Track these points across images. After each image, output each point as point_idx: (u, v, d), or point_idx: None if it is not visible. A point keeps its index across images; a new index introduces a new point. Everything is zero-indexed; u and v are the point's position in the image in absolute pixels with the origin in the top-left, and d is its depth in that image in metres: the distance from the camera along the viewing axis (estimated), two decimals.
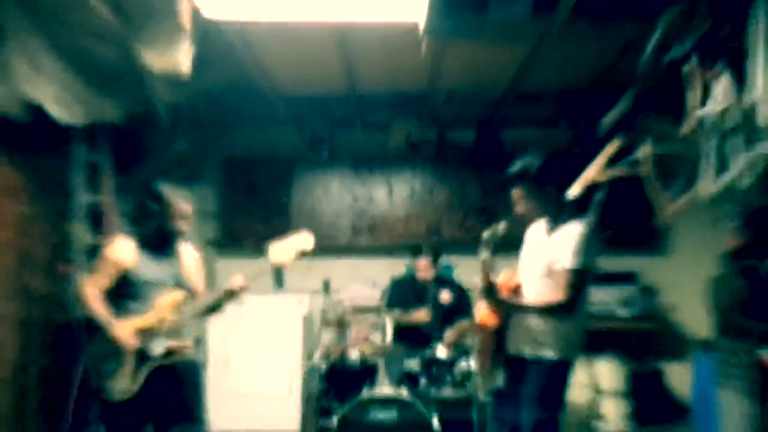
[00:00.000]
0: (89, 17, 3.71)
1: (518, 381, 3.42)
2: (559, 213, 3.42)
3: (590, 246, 3.26)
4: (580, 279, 3.23)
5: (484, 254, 3.33)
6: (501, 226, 3.34)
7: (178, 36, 3.78)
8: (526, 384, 3.36)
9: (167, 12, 3.70)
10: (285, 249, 3.83)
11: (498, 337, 3.52)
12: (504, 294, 3.42)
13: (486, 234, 3.35)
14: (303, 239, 3.90)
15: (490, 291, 3.34)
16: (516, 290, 3.51)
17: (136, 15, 3.80)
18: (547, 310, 3.31)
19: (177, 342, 3.72)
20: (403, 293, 5.60)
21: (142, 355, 3.62)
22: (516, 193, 3.46)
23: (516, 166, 3.43)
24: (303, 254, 3.88)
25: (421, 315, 5.26)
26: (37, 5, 3.72)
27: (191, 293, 3.90)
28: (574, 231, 3.29)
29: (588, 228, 3.29)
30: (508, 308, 3.46)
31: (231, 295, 3.75)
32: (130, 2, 3.75)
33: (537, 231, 3.59)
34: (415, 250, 5.42)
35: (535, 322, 3.37)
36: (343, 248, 6.66)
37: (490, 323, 3.53)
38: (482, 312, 3.57)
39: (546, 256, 3.37)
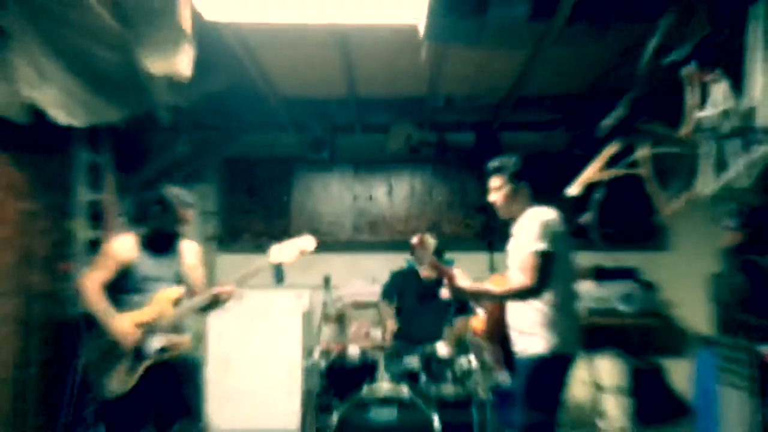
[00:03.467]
0: (91, 21, 3.71)
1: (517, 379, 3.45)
2: (525, 208, 3.54)
3: (551, 231, 3.32)
4: (543, 262, 3.27)
5: (418, 263, 3.39)
6: (428, 237, 3.36)
7: (179, 39, 3.77)
8: (516, 382, 3.40)
9: (168, 15, 3.69)
10: (286, 252, 3.88)
11: (503, 339, 3.55)
12: (467, 283, 3.44)
13: (414, 240, 3.33)
14: (305, 241, 3.94)
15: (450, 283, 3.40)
16: None
17: (137, 18, 3.79)
18: (511, 294, 3.38)
19: (175, 338, 3.75)
20: (401, 285, 5.60)
21: (138, 352, 3.64)
22: (492, 182, 3.68)
23: (495, 162, 3.68)
24: (303, 254, 3.93)
25: (390, 326, 5.30)
26: (39, 9, 3.72)
27: (191, 289, 3.94)
28: (535, 218, 3.38)
29: (550, 216, 3.38)
30: (471, 296, 3.60)
31: (219, 299, 3.81)
32: (132, 6, 3.75)
33: (514, 228, 3.66)
34: None
35: (520, 318, 3.41)
36: (344, 244, 6.68)
37: (481, 327, 3.58)
38: (476, 318, 3.63)
39: (519, 249, 3.43)
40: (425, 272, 3.49)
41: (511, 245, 3.59)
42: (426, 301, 5.41)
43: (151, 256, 3.82)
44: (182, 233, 3.89)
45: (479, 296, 3.57)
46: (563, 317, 3.35)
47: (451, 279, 3.39)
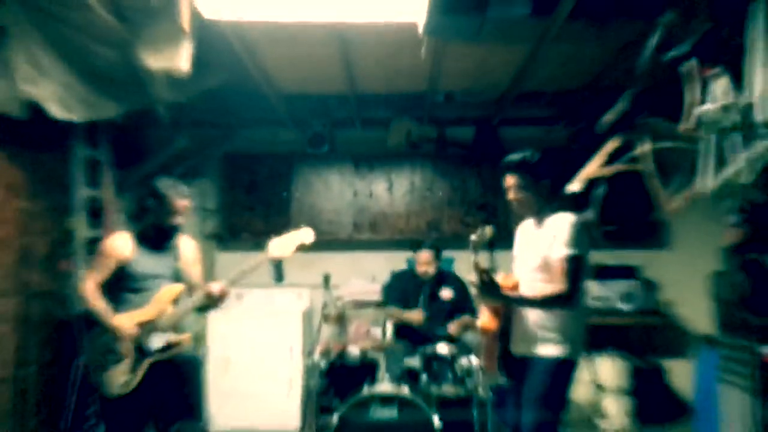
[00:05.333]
0: (89, 18, 3.70)
1: (522, 381, 3.41)
2: (546, 206, 3.46)
3: (581, 236, 3.27)
4: (576, 267, 3.23)
5: (473, 258, 3.38)
6: (488, 230, 3.39)
7: (177, 36, 3.76)
8: (527, 383, 3.35)
9: (167, 12, 3.69)
10: (285, 244, 3.85)
11: (502, 339, 3.52)
12: (506, 291, 3.43)
13: (473, 237, 3.40)
14: (303, 234, 3.91)
15: (486, 286, 3.35)
16: (514, 290, 3.50)
17: (135, 15, 3.79)
18: (549, 301, 3.30)
19: (175, 336, 3.74)
20: (403, 287, 5.59)
21: (140, 350, 3.63)
22: (510, 180, 3.51)
23: (515, 156, 3.49)
24: (302, 246, 3.90)
25: (416, 315, 5.24)
26: (37, 6, 3.71)
27: (190, 286, 3.91)
28: (564, 222, 3.30)
29: (577, 219, 3.31)
30: (508, 301, 3.46)
31: (213, 299, 3.76)
32: (130, 3, 3.74)
33: (527, 227, 3.61)
34: (416, 245, 5.42)
35: (536, 319, 3.36)
36: (344, 242, 6.68)
37: (492, 327, 3.53)
38: (484, 317, 3.58)
39: (538, 249, 3.37)
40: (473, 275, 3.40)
41: (527, 246, 3.55)
42: (426, 300, 5.40)
43: (149, 253, 3.80)
44: (179, 226, 3.85)
45: (513, 301, 3.47)
46: (578, 320, 3.34)
47: (488, 282, 3.35)
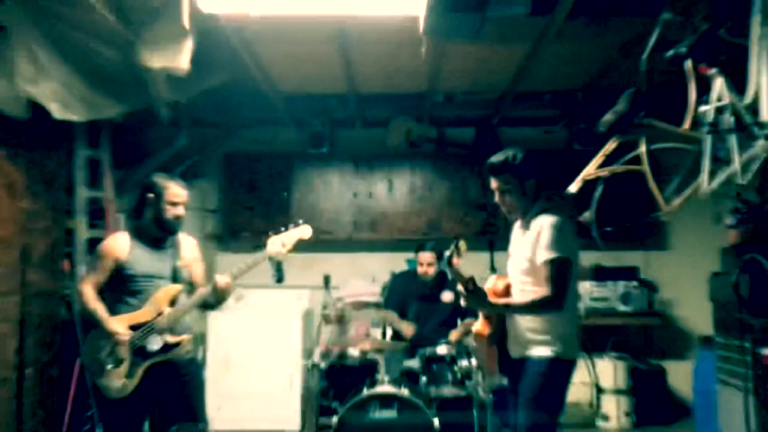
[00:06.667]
0: (90, 17, 3.71)
1: (518, 383, 3.39)
2: (533, 207, 3.39)
3: (564, 237, 3.21)
4: (561, 269, 3.18)
5: (450, 272, 3.42)
6: (461, 244, 3.40)
7: (178, 35, 3.77)
8: (521, 384, 3.33)
9: (167, 12, 3.70)
10: (283, 241, 3.82)
11: (499, 341, 3.51)
12: (492, 298, 3.41)
13: (447, 253, 3.40)
14: (301, 230, 3.88)
15: (471, 295, 3.34)
16: (507, 292, 3.48)
17: (136, 15, 3.80)
18: (534, 306, 3.26)
19: (175, 338, 3.72)
20: (403, 290, 5.59)
21: (139, 352, 3.61)
22: (494, 183, 3.46)
23: (497, 158, 3.42)
24: (300, 242, 3.88)
25: (408, 329, 5.23)
26: (38, 5, 3.72)
27: (190, 285, 3.89)
28: (545, 224, 3.24)
29: (559, 220, 3.25)
30: (495, 309, 3.43)
31: (216, 294, 3.74)
32: (131, 2, 3.75)
33: (516, 229, 3.57)
34: (419, 246, 5.41)
35: (525, 323, 3.33)
36: (343, 243, 6.68)
37: (485, 332, 3.51)
38: (477, 322, 3.56)
39: (524, 253, 3.33)
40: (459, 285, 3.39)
41: (515, 249, 3.52)
42: (427, 303, 5.40)
43: (148, 252, 3.76)
44: (179, 222, 3.82)
45: (500, 309, 3.44)
46: (568, 321, 3.32)
47: (470, 289, 3.34)
